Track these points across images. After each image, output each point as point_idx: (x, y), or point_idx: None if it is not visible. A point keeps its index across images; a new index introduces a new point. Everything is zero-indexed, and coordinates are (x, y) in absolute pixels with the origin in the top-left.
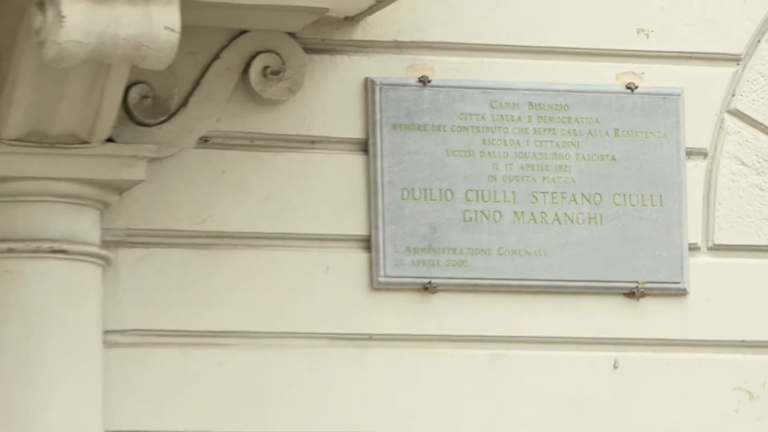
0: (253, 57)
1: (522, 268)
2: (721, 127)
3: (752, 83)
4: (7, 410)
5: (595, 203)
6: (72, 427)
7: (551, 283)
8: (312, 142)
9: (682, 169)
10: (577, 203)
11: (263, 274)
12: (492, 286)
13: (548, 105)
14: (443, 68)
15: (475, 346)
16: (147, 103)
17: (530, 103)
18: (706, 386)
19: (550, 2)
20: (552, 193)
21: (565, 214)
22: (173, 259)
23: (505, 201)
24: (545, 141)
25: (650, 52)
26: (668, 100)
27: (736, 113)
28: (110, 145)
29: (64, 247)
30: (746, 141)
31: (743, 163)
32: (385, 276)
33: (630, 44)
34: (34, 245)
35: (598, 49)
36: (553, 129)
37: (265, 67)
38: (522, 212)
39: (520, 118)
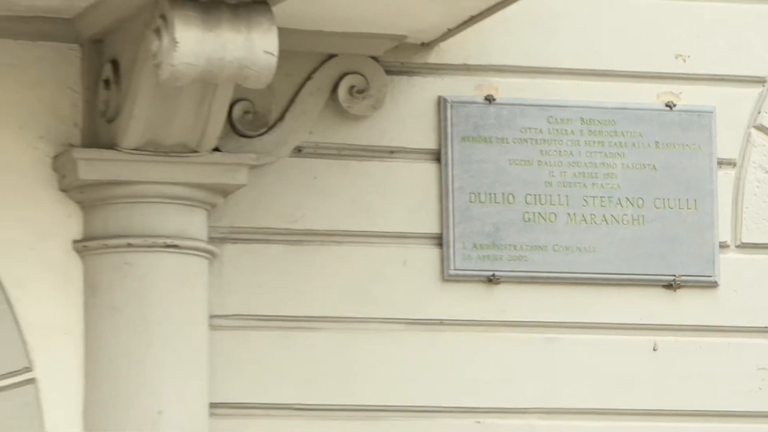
0: (341, 78)
1: (573, 263)
2: (748, 141)
3: None
4: (126, 384)
5: (638, 206)
6: (182, 399)
7: (599, 276)
8: (391, 152)
9: (713, 177)
10: (622, 206)
11: (348, 267)
12: (547, 278)
13: (598, 120)
14: (506, 88)
15: (533, 331)
16: (248, 118)
17: (582, 119)
18: (734, 366)
19: (599, 31)
20: (600, 197)
21: (611, 215)
22: (270, 254)
23: (559, 204)
24: (595, 152)
25: (687, 74)
26: (702, 117)
27: (762, 128)
28: (217, 153)
29: (176, 242)
30: None
31: (767, 172)
32: (455, 269)
33: (669, 68)
34: (150, 241)
35: (642, 72)
36: (602, 141)
37: (352, 87)
38: (574, 214)
39: (573, 132)
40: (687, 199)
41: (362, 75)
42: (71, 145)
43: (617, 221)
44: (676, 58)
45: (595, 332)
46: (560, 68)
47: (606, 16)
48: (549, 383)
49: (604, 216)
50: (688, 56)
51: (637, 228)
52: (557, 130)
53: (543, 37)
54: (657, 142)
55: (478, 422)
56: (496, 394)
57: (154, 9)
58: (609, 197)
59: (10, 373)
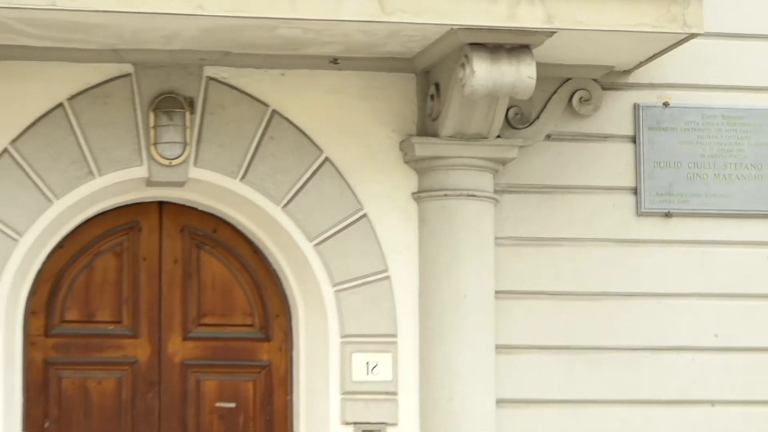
0: (574, 92)
1: (719, 204)
2: None
3: None
4: (443, 277)
5: (757, 169)
6: (479, 286)
7: (735, 212)
8: (605, 137)
9: None
10: (747, 169)
11: (577, 208)
12: (702, 213)
13: (732, 116)
14: (676, 97)
15: (693, 246)
16: (518, 117)
17: (723, 116)
18: None
19: (734, 63)
20: (734, 163)
21: (741, 174)
22: (531, 200)
23: (708, 168)
24: (731, 136)
25: None
26: None
27: None
28: (498, 139)
29: (474, 193)
30: None
31: None
32: (644, 208)
33: None
34: (458, 192)
35: (759, 86)
36: (735, 129)
37: (581, 98)
38: (718, 174)
39: (717, 124)
40: None
41: (587, 90)
42: (410, 135)
43: (746, 178)
44: None
45: (732, 246)
46: (710, 84)
47: (738, 53)
48: (702, 275)
49: (737, 175)
50: None
51: (759, 182)
52: (707, 122)
53: (698, 66)
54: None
55: (659, 303)
56: (667, 283)
57: (460, 52)
58: (740, 163)
59: (374, 272)
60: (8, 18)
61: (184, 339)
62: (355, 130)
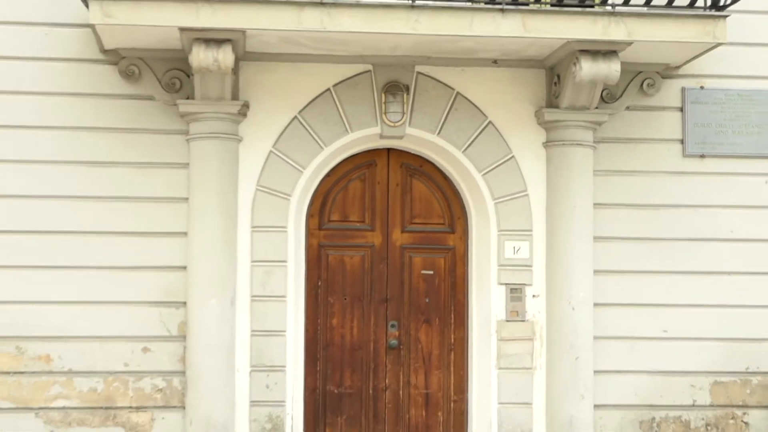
0: (644, 80)
1: (734, 150)
2: None
3: None
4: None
5: (759, 128)
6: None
7: (745, 154)
8: (663, 108)
9: None
10: (752, 128)
11: (646, 156)
12: (723, 155)
13: (746, 96)
14: (708, 83)
15: (719, 178)
16: (608, 95)
17: (739, 95)
18: None
19: (749, 61)
20: (746, 124)
21: (749, 131)
22: (617, 148)
23: (729, 127)
24: (744, 108)
25: None
26: None
27: None
28: (596, 110)
29: (581, 143)
30: None
31: None
32: (687, 152)
33: None
34: (571, 142)
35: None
36: (747, 103)
37: (648, 83)
38: (735, 130)
39: (735, 101)
40: None
41: (652, 78)
42: (542, 107)
43: (751, 134)
44: None
45: (742, 176)
46: (730, 75)
47: (749, 55)
48: (722, 193)
49: (746, 132)
50: None
51: (759, 137)
52: (728, 99)
53: (723, 63)
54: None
55: (695, 211)
56: (701, 199)
57: (573, 55)
58: (748, 124)
59: (519, 191)
60: (298, 36)
61: (402, 232)
62: (507, 104)
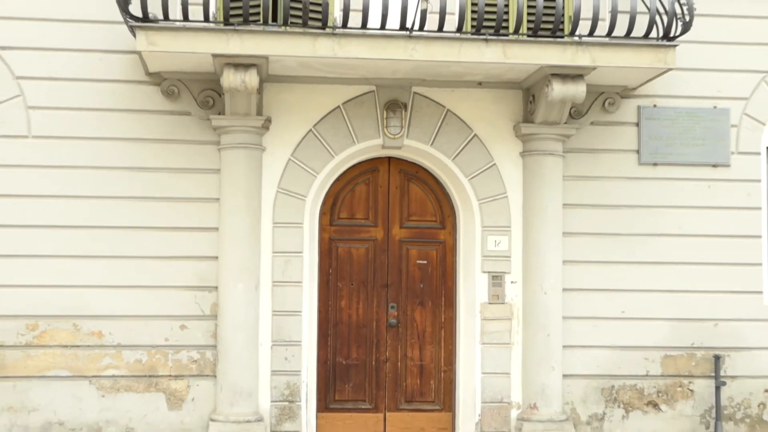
0: (606, 99)
1: (682, 159)
2: None
3: None
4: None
5: (703, 140)
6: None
7: (690, 163)
8: (622, 123)
9: None
10: (697, 140)
11: (604, 164)
12: (673, 163)
13: (690, 112)
14: (661, 102)
15: (666, 181)
16: (575, 112)
17: (687, 112)
18: None
19: (693, 79)
20: (691, 137)
21: (694, 143)
22: (582, 157)
23: (677, 139)
24: (690, 122)
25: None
26: None
27: None
28: (565, 124)
29: (552, 153)
30: None
31: None
32: (642, 161)
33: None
34: (543, 152)
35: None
36: (691, 119)
37: (609, 102)
38: (682, 143)
39: (682, 118)
40: None
41: (612, 98)
42: (519, 122)
43: (696, 145)
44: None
45: (688, 181)
46: (678, 95)
47: (694, 78)
48: (670, 195)
49: (692, 143)
50: None
51: (703, 148)
52: (677, 116)
53: (672, 85)
54: (707, 127)
55: (648, 210)
56: (653, 200)
57: (546, 78)
58: (693, 137)
59: (499, 193)
60: (313, 61)
61: (401, 227)
62: (490, 120)
